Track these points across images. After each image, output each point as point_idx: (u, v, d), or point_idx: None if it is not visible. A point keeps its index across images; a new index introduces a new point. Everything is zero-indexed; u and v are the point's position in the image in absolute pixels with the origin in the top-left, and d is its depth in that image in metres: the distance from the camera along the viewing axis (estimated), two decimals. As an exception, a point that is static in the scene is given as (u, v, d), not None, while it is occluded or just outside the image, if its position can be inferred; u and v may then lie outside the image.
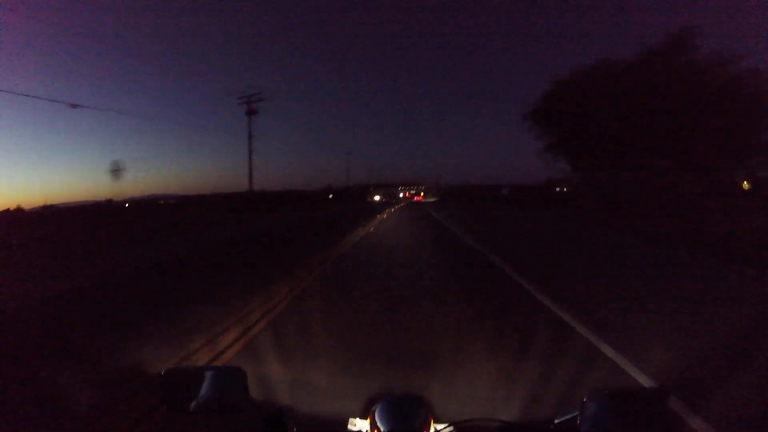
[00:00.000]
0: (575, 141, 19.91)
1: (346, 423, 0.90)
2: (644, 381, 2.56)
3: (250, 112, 30.41)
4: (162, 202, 53.86)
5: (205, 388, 0.87)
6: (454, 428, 0.86)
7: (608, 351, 3.02)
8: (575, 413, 0.82)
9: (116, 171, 16.94)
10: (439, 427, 0.86)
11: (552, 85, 21.08)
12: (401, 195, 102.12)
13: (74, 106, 14.85)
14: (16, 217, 26.16)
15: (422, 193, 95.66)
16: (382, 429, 0.82)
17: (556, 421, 0.86)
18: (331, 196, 71.93)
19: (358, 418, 0.91)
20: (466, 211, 24.77)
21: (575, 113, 18.64)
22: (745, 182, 19.09)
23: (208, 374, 0.89)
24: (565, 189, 41.31)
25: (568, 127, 19.94)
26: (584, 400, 0.80)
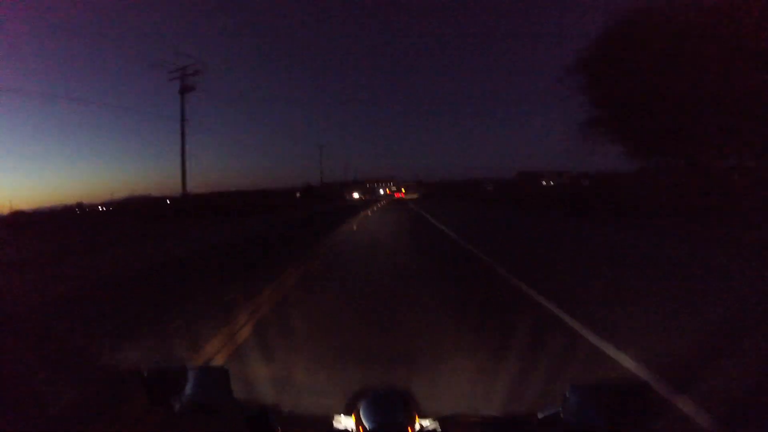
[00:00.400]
0: (650, 109, 12.29)
1: (331, 420, 0.91)
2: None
3: (184, 90, 23.56)
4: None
5: (188, 388, 0.87)
6: (440, 423, 0.88)
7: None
8: (558, 408, 0.83)
9: None
10: (425, 422, 0.87)
11: (620, 21, 12.90)
12: (381, 192, 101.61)
13: None
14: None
15: (403, 190, 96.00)
16: (366, 425, 0.82)
17: (539, 416, 0.87)
18: (299, 194, 62.24)
19: (342, 415, 0.92)
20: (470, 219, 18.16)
21: (657, 63, 11.44)
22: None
23: (191, 373, 0.89)
24: (551, 183, 41.40)
25: (639, 86, 12.11)
26: (566, 394, 0.82)
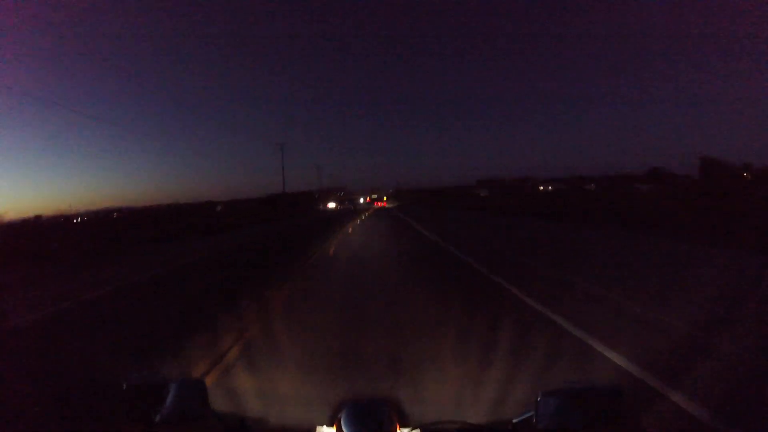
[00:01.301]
0: None
1: (314, 431, 0.95)
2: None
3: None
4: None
5: (167, 401, 0.91)
6: (421, 430, 0.92)
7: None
8: (531, 413, 0.88)
9: None
10: (405, 430, 0.91)
11: None
12: (361, 201, 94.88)
13: None
14: None
15: (385, 198, 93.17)
16: None
17: (514, 421, 0.93)
18: (220, 208, 46.31)
19: (325, 426, 0.95)
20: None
21: None
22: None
23: (170, 386, 0.93)
24: (549, 188, 41.46)
25: None
26: (538, 399, 0.87)
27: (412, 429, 0.92)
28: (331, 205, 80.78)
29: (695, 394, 2.56)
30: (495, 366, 3.07)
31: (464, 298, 5.43)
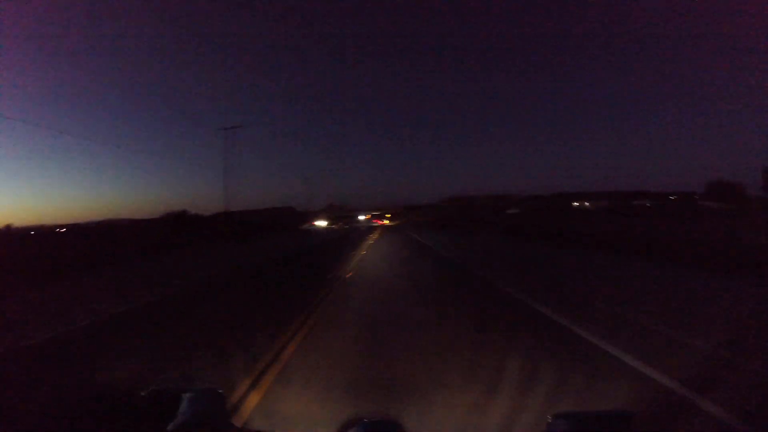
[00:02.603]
0: None
1: None
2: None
3: None
4: None
5: (185, 410, 0.94)
6: None
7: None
8: None
9: None
10: None
11: None
12: (361, 218, 79.92)
13: None
14: None
15: (388, 215, 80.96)
16: None
17: None
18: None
19: None
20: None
21: None
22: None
23: (189, 396, 0.98)
24: (587, 204, 38.82)
25: None
26: (549, 421, 0.91)
27: None
28: (321, 223, 65.09)
29: None
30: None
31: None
